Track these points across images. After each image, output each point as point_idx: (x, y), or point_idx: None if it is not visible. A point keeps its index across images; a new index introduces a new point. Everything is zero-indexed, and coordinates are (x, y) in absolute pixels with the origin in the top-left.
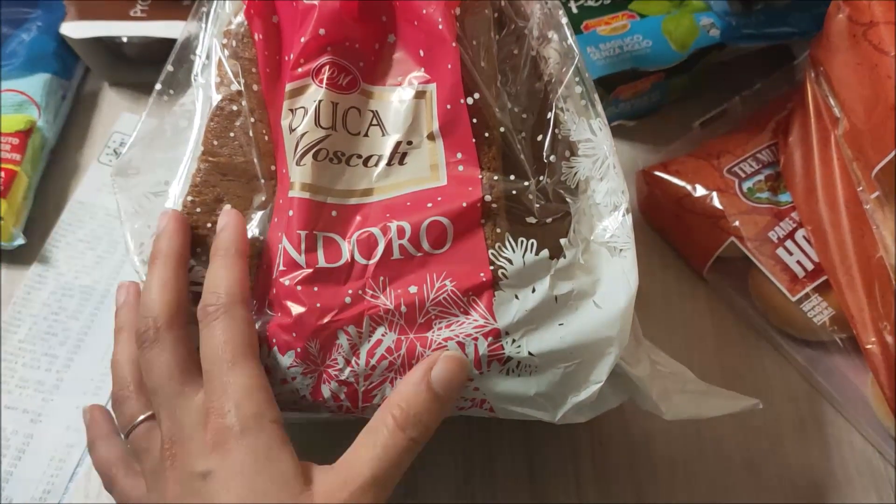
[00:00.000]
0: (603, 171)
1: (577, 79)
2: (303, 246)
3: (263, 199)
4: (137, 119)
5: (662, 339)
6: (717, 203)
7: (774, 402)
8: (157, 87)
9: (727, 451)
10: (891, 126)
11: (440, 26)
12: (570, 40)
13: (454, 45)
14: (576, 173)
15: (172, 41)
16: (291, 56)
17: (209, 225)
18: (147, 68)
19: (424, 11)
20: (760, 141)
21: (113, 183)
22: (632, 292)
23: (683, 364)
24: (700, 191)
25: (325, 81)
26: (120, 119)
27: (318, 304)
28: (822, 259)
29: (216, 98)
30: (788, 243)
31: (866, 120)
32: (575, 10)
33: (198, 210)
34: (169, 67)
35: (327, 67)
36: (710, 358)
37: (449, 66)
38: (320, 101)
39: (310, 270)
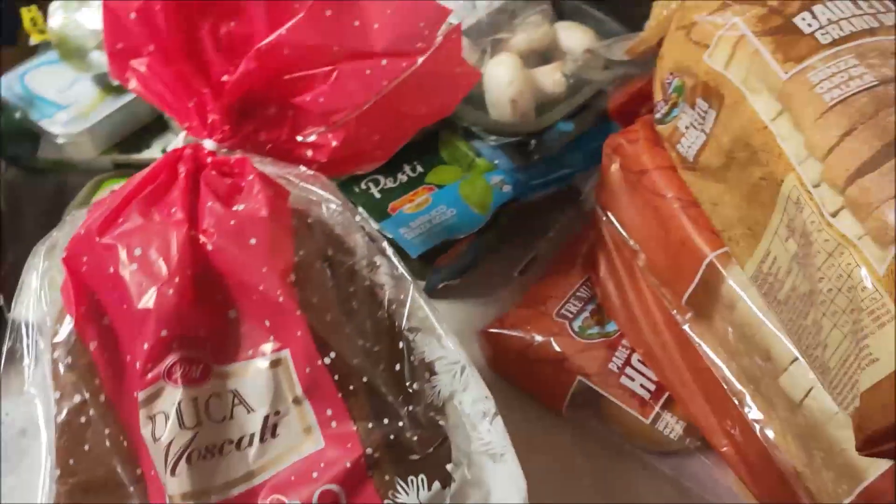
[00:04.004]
0: (464, 382)
1: (418, 302)
2: None
3: None
4: None
5: (538, 483)
6: (556, 347)
7: None
8: None
9: None
10: (686, 258)
11: (280, 299)
12: (401, 268)
13: (299, 313)
14: (439, 392)
15: None
16: (138, 364)
17: None
18: None
19: (262, 287)
20: (574, 279)
21: None
22: (523, 495)
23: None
24: (538, 339)
25: (179, 380)
26: None
27: None
28: (660, 377)
29: (56, 413)
30: (628, 370)
31: (664, 255)
32: (378, 196)
33: None
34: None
35: (178, 365)
36: (587, 488)
37: (298, 334)
38: (180, 402)
39: None
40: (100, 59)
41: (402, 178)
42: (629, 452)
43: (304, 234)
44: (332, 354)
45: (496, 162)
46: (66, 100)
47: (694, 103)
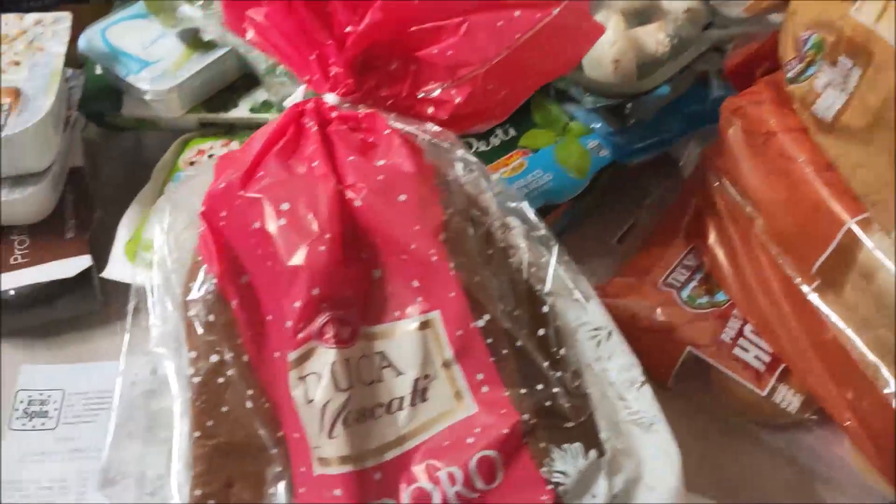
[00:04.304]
0: (610, 349)
1: (560, 265)
2: None
3: (279, 469)
4: (42, 370)
5: None
6: (662, 317)
7: (771, 493)
8: (122, 371)
9: None
10: (819, 224)
11: (434, 258)
12: (543, 229)
13: (452, 273)
14: (581, 359)
15: (60, 281)
16: (289, 323)
17: None
18: (33, 312)
19: (413, 246)
20: (679, 248)
21: (104, 497)
22: (677, 467)
23: None
24: (644, 308)
25: (331, 340)
26: (21, 374)
27: None
28: (776, 350)
29: (193, 374)
30: (741, 341)
31: (792, 221)
32: None
33: (210, 503)
34: (126, 339)
35: (329, 325)
36: (698, 465)
37: (452, 294)
38: (334, 363)
39: None
40: (190, 12)
41: (495, 141)
42: (738, 426)
43: (446, 192)
44: (486, 317)
45: (593, 125)
46: (151, 56)
47: (835, 61)
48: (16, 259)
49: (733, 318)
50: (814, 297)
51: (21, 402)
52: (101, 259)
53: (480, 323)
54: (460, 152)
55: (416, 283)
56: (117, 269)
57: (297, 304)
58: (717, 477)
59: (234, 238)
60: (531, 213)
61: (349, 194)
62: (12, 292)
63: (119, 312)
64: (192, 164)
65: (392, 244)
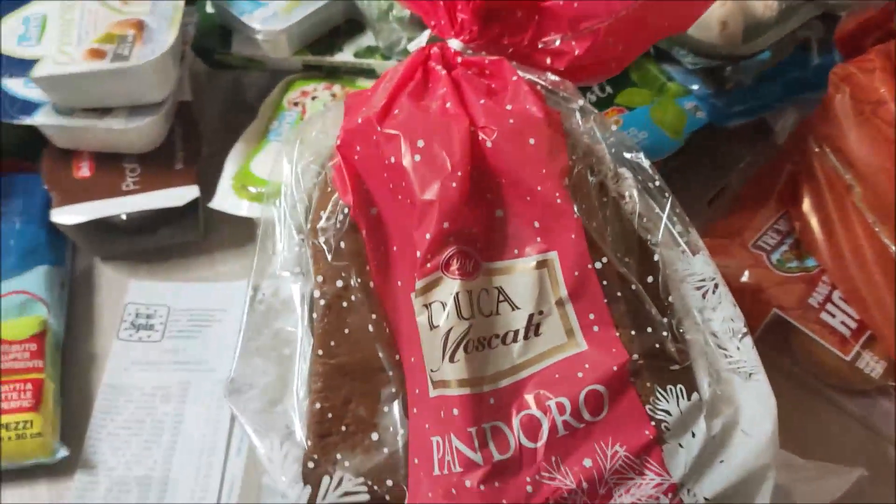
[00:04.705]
0: (715, 301)
1: (672, 217)
2: (476, 443)
3: (393, 390)
4: (148, 286)
5: None
6: (750, 279)
7: (842, 454)
8: (250, 292)
9: None
10: None
11: (558, 200)
12: (658, 180)
13: (576, 216)
14: (688, 307)
15: (167, 209)
16: (418, 253)
17: (343, 429)
18: (139, 238)
19: (539, 188)
20: (771, 212)
21: (231, 406)
22: (774, 415)
23: None
24: (732, 269)
25: (457, 272)
26: (130, 289)
27: (505, 501)
28: (864, 317)
29: (319, 296)
30: (829, 306)
31: (893, 189)
32: None
33: (329, 416)
34: (255, 264)
35: (455, 258)
36: None
37: (573, 236)
38: (458, 293)
39: (488, 467)
40: None
41: (591, 97)
42: (816, 389)
43: (570, 139)
44: (604, 259)
45: (691, 87)
46: None
47: None
48: (127, 186)
49: (822, 284)
50: None
51: (129, 314)
52: (204, 192)
53: (598, 265)
54: (580, 102)
55: (536, 224)
56: (224, 200)
57: (428, 236)
58: (791, 434)
59: (367, 171)
60: (646, 164)
61: (481, 135)
62: (123, 216)
63: (218, 243)
64: (295, 104)
65: (518, 186)
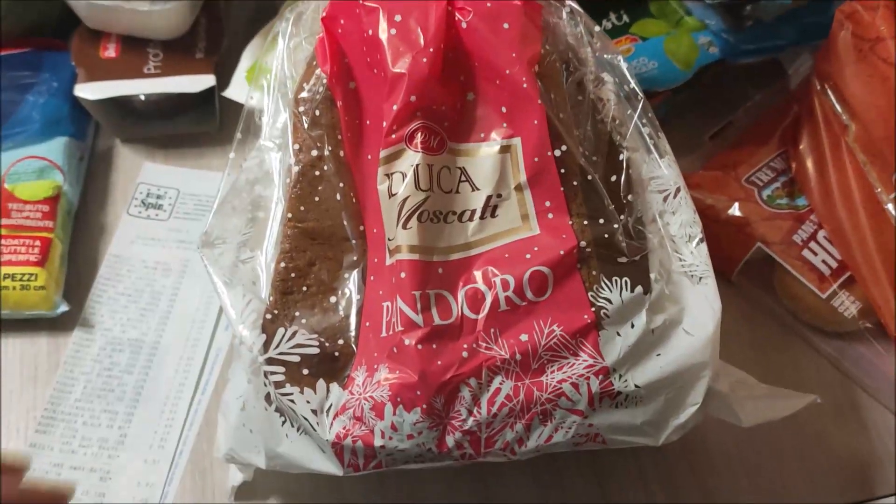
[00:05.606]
0: (675, 206)
1: (643, 120)
2: (418, 305)
3: (354, 258)
4: (161, 169)
5: None
6: (739, 212)
7: (810, 387)
8: (232, 155)
9: (777, 443)
10: None
11: (524, 85)
12: (633, 84)
13: (539, 102)
14: (649, 209)
15: (186, 95)
16: (385, 123)
17: (304, 289)
18: (157, 122)
19: (507, 72)
20: (770, 150)
21: (201, 256)
22: (717, 318)
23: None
24: (722, 201)
25: (419, 145)
26: (143, 170)
27: (440, 362)
28: (845, 257)
29: (294, 164)
30: (812, 244)
31: (884, 129)
32: None
33: (292, 276)
34: (238, 135)
35: (420, 132)
36: (747, 356)
37: (535, 122)
38: (418, 165)
39: (427, 329)
40: None
41: (607, 24)
42: (792, 327)
43: (548, 32)
44: (564, 148)
45: (707, 21)
46: None
47: None
48: (149, 69)
49: (809, 223)
50: (891, 207)
51: (140, 193)
52: (223, 83)
53: (557, 153)
54: (569, 2)
55: (504, 109)
56: (237, 90)
57: (395, 108)
58: (762, 363)
59: (348, 44)
60: (625, 67)
61: (458, 16)
62: (142, 97)
63: (231, 135)
64: None
65: (488, 68)
